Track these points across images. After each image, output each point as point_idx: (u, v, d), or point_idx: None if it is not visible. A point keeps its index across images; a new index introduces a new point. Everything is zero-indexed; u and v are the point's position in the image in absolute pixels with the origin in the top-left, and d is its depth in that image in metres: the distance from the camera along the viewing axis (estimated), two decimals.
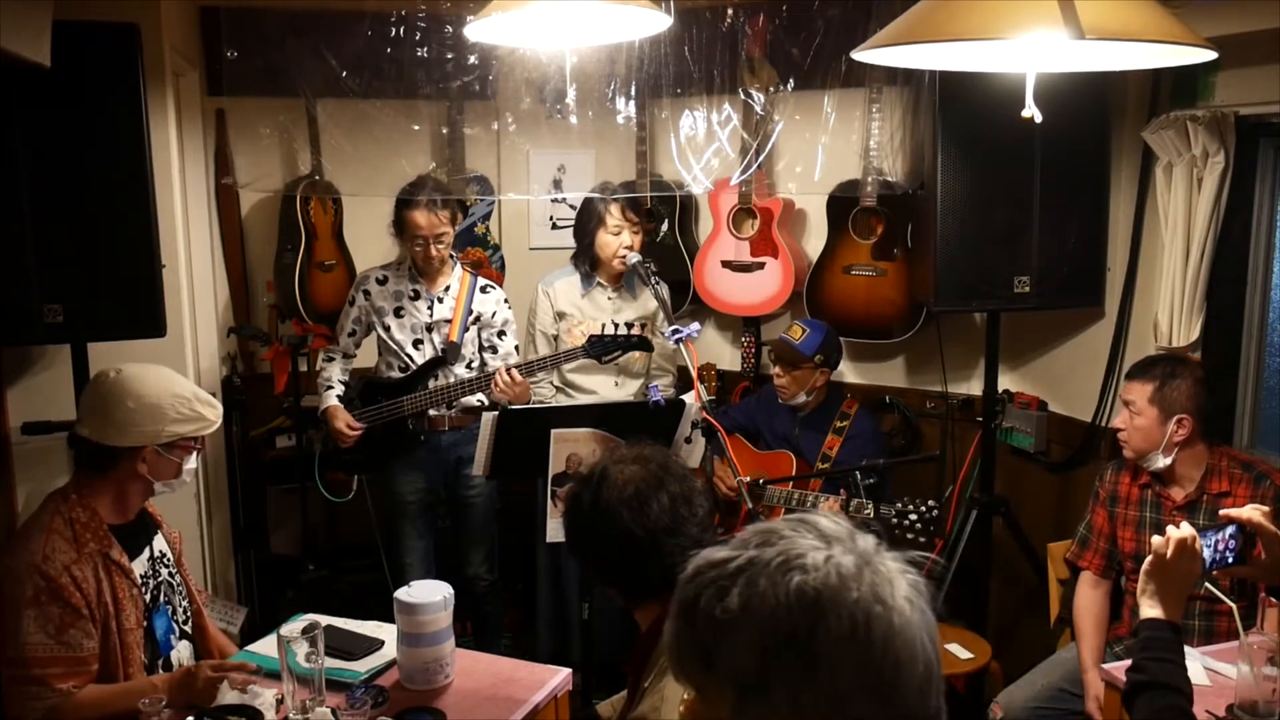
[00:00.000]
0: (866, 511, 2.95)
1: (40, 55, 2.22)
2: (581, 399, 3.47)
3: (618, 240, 3.42)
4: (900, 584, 0.96)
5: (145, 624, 2.17)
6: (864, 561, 0.96)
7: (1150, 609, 1.71)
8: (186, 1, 3.52)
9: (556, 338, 3.57)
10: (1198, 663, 2.24)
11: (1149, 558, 1.73)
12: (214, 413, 2.20)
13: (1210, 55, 1.55)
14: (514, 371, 3.15)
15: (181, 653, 2.29)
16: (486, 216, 4.04)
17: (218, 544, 3.64)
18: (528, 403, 3.18)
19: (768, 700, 0.92)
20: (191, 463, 2.22)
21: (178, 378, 2.21)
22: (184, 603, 2.33)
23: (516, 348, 3.49)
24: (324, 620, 2.37)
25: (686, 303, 3.94)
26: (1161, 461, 2.67)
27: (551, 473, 2.67)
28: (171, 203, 3.11)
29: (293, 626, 2.10)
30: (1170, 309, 2.99)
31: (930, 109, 3.21)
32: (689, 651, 0.97)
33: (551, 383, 3.57)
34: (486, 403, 3.33)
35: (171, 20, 3.20)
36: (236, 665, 2.13)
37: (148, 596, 2.19)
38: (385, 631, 2.43)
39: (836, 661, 0.91)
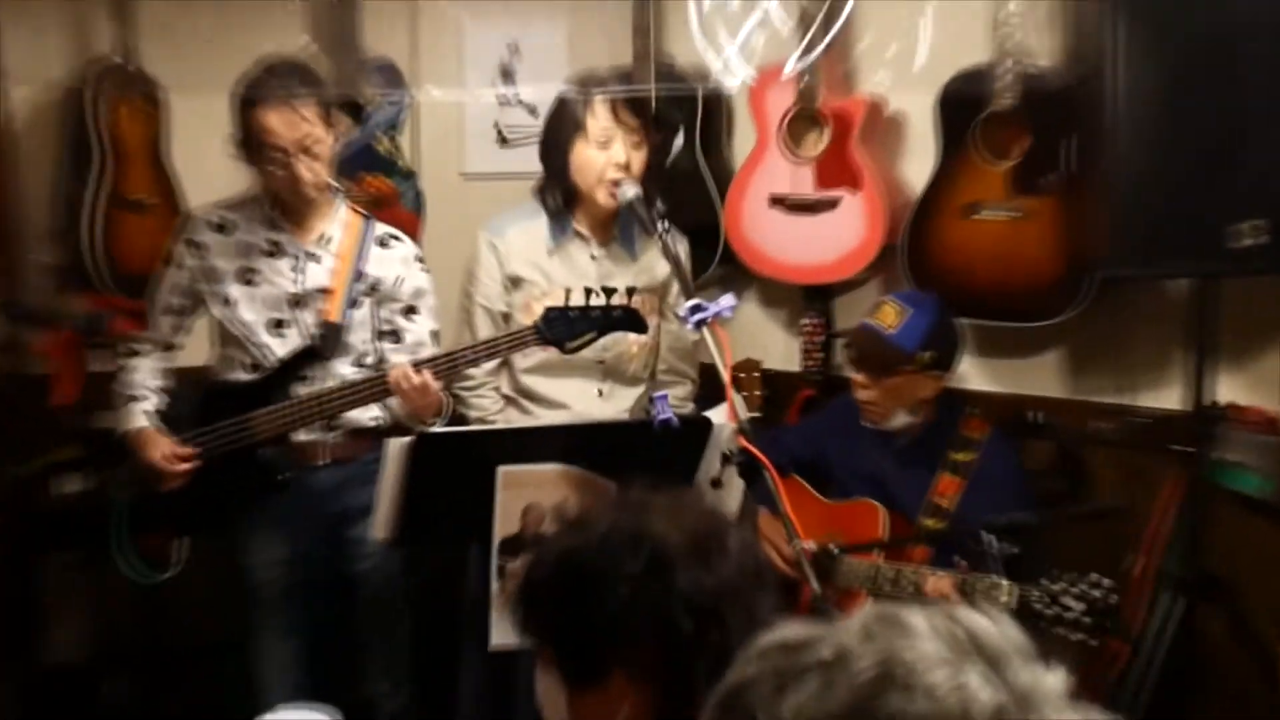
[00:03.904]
0: (1001, 597, 2.89)
1: None
2: (544, 416, 3.43)
3: (605, 156, 3.32)
4: None
5: None
6: (1019, 702, 0.96)
7: None
8: None
9: (509, 318, 3.48)
10: None
11: None
12: None
13: None
14: (423, 370, 3.08)
15: None
16: (393, 125, 3.91)
17: None
18: (442, 415, 3.18)
19: None
20: None
21: None
22: None
23: (436, 334, 3.40)
24: None
25: (714, 263, 3.85)
26: None
27: (499, 535, 2.69)
28: None
29: None
30: None
31: None
32: None
33: (498, 389, 3.50)
34: (388, 421, 3.27)
35: None
36: None
37: None
38: None
39: None
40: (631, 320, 3.11)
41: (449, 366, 3.13)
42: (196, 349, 3.42)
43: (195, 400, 3.29)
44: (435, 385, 3.08)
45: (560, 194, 3.39)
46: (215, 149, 3.43)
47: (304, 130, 3.13)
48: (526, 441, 2.79)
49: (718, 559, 1.72)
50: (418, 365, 3.09)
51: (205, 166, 3.64)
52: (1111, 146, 3.04)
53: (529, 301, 3.42)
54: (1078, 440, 3.66)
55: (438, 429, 3.01)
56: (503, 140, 4.10)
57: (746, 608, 1.71)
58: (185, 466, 3.17)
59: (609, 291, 3.42)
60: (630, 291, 3.45)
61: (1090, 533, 3.43)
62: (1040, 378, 3.76)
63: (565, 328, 3.05)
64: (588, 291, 3.41)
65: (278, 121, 3.11)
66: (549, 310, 3.10)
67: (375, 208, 3.54)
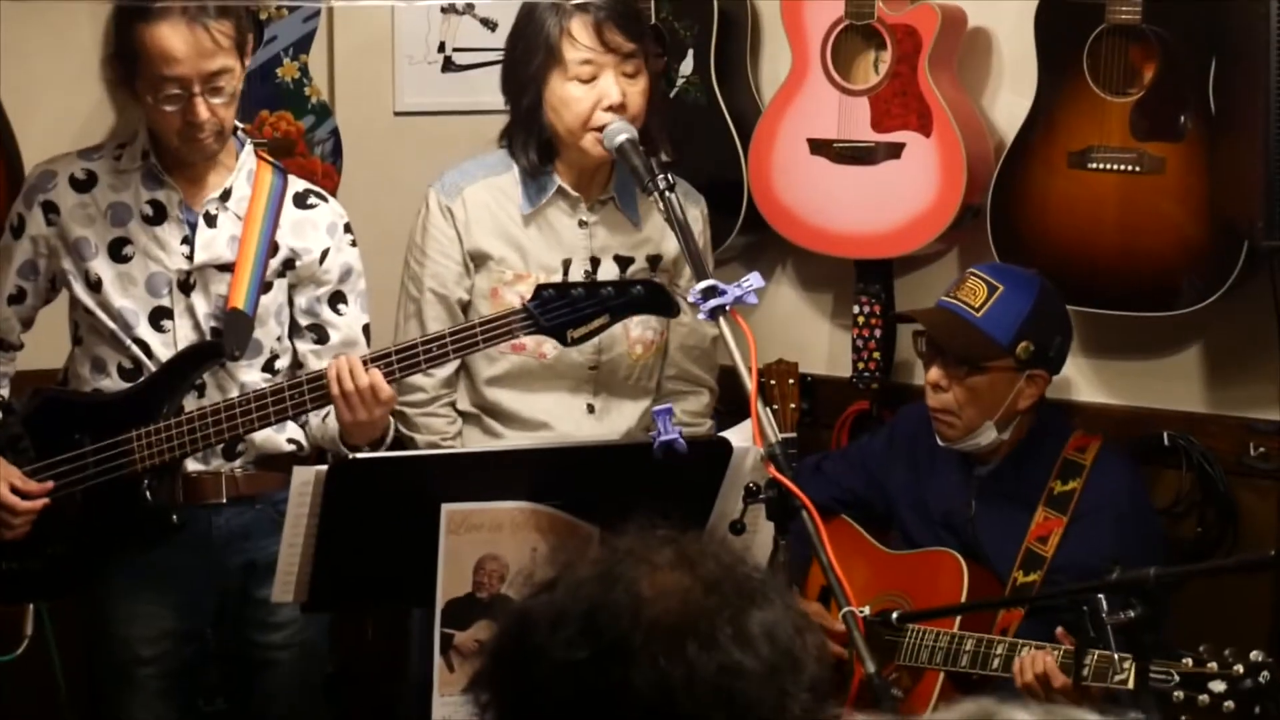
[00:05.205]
0: (1119, 677, 2.83)
1: None
2: (515, 440, 3.38)
3: (592, 95, 3.25)
4: None
5: None
6: None
7: None
8: None
9: (469, 308, 3.42)
10: None
11: None
12: None
13: None
14: (372, 368, 3.01)
15: None
16: (303, 47, 3.83)
17: None
18: (384, 441, 3.18)
19: None
20: None
21: None
22: None
23: (368, 330, 3.32)
24: None
25: (734, 231, 3.83)
26: None
27: (444, 596, 2.74)
28: None
29: None
30: None
31: None
32: None
33: (453, 405, 3.46)
34: (305, 445, 3.23)
35: None
36: None
37: None
38: None
39: None
40: (656, 299, 3.03)
41: (407, 364, 3.02)
42: (45, 346, 3.32)
43: (45, 417, 3.18)
44: (387, 391, 2.99)
45: (534, 145, 3.28)
46: (64, 72, 3.50)
47: (216, 59, 3.00)
48: (481, 470, 2.81)
49: (719, 643, 1.54)
50: (366, 361, 3.03)
51: (49, 98, 3.66)
52: (1273, 74, 3.14)
53: (496, 288, 3.34)
54: (1225, 469, 3.62)
55: (361, 456, 2.94)
56: (449, 66, 4.06)
57: (758, 706, 1.52)
58: (35, 504, 3.04)
59: (624, 261, 3.33)
60: (654, 260, 3.35)
61: (1241, 592, 3.45)
62: (1175, 386, 3.71)
63: (566, 310, 2.96)
64: (595, 261, 3.30)
65: (182, 44, 2.97)
66: (542, 289, 3.02)
67: (276, 156, 3.45)
